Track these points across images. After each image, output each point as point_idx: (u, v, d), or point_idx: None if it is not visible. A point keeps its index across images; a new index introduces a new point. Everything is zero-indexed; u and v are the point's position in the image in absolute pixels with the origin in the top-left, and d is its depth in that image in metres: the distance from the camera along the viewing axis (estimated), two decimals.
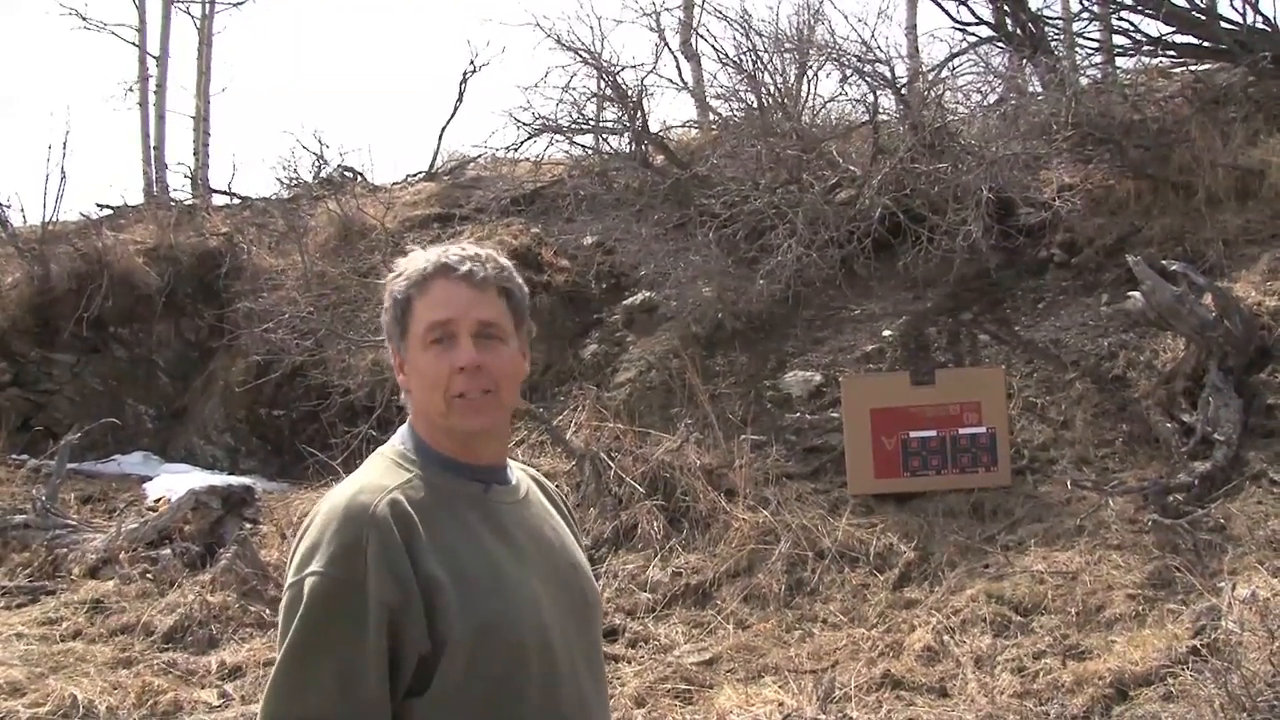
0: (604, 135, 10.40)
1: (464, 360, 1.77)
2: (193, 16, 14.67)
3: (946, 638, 5.47)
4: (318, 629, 1.66)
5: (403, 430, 1.89)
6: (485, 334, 1.79)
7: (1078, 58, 10.22)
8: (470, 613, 1.69)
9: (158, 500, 8.43)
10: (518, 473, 1.94)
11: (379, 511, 1.70)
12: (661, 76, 12.32)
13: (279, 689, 1.68)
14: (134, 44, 14.60)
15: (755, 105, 9.29)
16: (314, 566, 1.68)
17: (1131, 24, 9.70)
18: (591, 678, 1.86)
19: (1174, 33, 9.47)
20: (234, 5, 14.93)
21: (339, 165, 11.87)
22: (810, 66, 9.51)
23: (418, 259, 1.84)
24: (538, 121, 10.09)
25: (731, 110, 9.85)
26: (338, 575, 1.67)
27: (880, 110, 9.06)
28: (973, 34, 9.96)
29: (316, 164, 11.42)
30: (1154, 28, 9.46)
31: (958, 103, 9.42)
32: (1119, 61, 10.16)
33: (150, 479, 9.27)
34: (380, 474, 1.79)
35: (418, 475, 1.78)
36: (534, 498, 1.93)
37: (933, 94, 9.22)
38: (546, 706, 1.74)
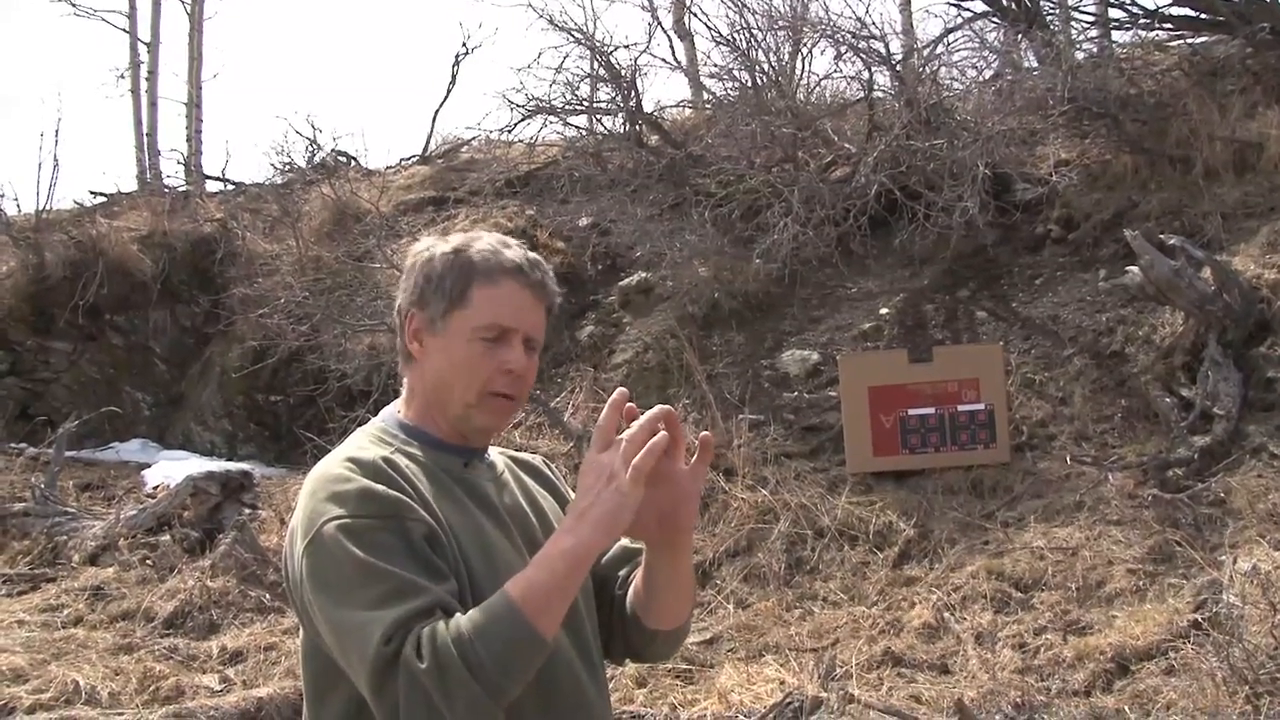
0: (598, 116, 10.36)
1: (517, 365, 1.79)
2: (183, 1, 14.62)
3: (947, 614, 5.48)
4: (364, 553, 1.59)
5: (385, 412, 1.88)
6: (529, 344, 1.83)
7: (1073, 32, 10.18)
8: (464, 576, 1.68)
9: (156, 487, 8.43)
10: (495, 454, 1.93)
11: (379, 463, 1.69)
12: (655, 56, 12.29)
13: (354, 627, 1.57)
14: (125, 30, 14.56)
15: (749, 84, 9.25)
16: (332, 513, 1.63)
17: None
18: (583, 655, 1.83)
19: (1170, 5, 9.43)
20: None
21: (332, 149, 11.85)
22: (804, 44, 9.49)
23: (486, 246, 1.82)
24: (531, 103, 10.06)
25: (726, 89, 9.81)
26: (364, 512, 1.63)
27: (875, 87, 9.04)
28: (967, 9, 9.91)
29: (310, 149, 11.40)
30: (1150, 0, 9.42)
31: (953, 79, 9.40)
32: (1115, 35, 10.12)
33: (148, 466, 9.29)
34: (363, 446, 1.78)
35: (399, 449, 1.78)
36: (509, 479, 1.91)
37: (928, 70, 9.17)
38: (542, 684, 1.70)
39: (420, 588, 1.58)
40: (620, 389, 1.76)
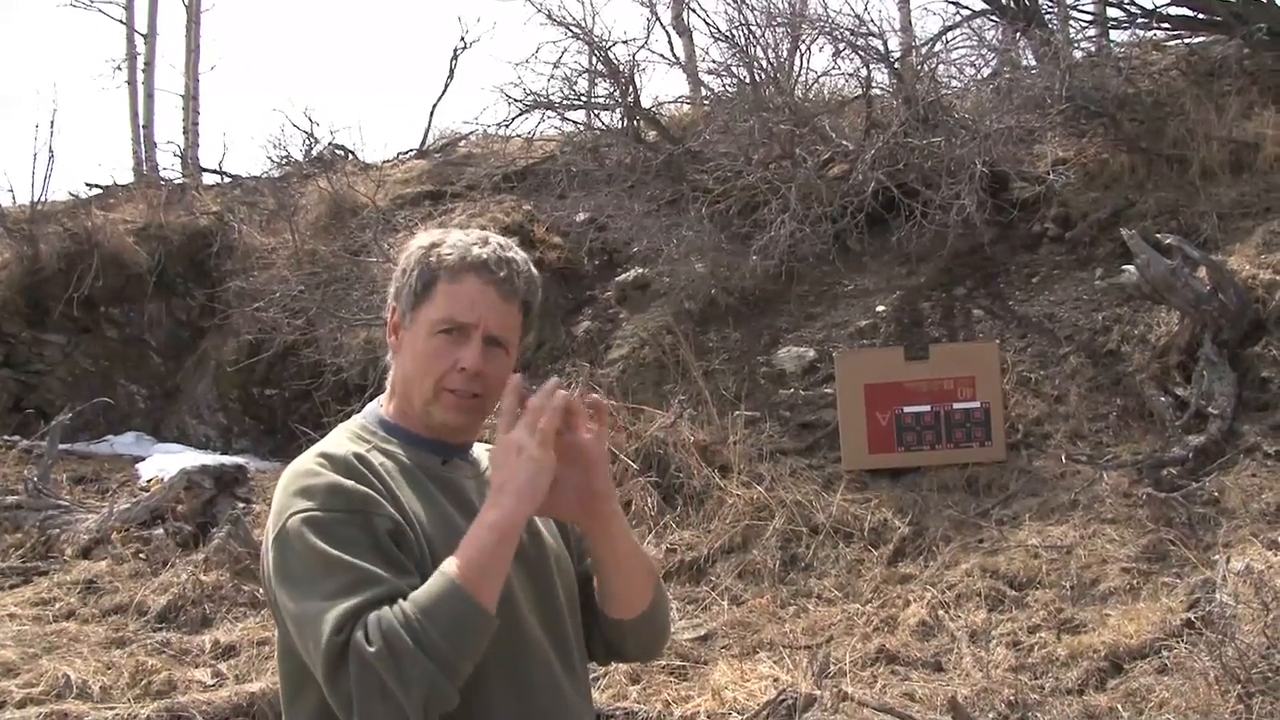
0: (596, 111, 10.35)
1: (469, 363, 1.77)
2: None
3: (941, 612, 5.48)
4: (327, 545, 1.60)
5: (368, 408, 1.90)
6: (494, 341, 1.80)
7: (1072, 31, 10.19)
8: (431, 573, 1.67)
9: (150, 480, 8.41)
10: (481, 451, 1.92)
11: (350, 458, 1.71)
12: (653, 52, 12.26)
13: (312, 618, 1.57)
14: (122, 21, 14.53)
15: (748, 80, 9.22)
16: (299, 506, 1.65)
17: None
18: (561, 654, 1.82)
19: (1169, 5, 9.44)
20: None
21: (329, 143, 11.82)
22: (803, 41, 9.46)
23: (458, 241, 1.82)
24: (529, 98, 10.03)
25: (724, 85, 9.78)
26: (331, 506, 1.64)
27: (873, 84, 9.02)
28: (966, 7, 9.91)
29: (307, 142, 11.37)
30: (1148, 0, 9.42)
31: (951, 76, 9.38)
32: (1113, 34, 10.14)
33: (143, 459, 9.27)
34: (339, 442, 1.79)
35: (377, 447, 1.78)
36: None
37: (926, 68, 9.16)
38: (514, 681, 1.71)
39: (379, 579, 1.58)
40: (516, 374, 1.79)
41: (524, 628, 1.75)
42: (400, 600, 1.57)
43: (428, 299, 1.79)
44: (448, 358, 1.77)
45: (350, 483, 1.66)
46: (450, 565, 1.59)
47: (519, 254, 1.86)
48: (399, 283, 1.84)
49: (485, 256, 1.80)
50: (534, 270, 1.88)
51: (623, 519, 1.87)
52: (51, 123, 14.85)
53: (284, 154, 11.45)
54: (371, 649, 1.51)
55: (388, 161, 12.25)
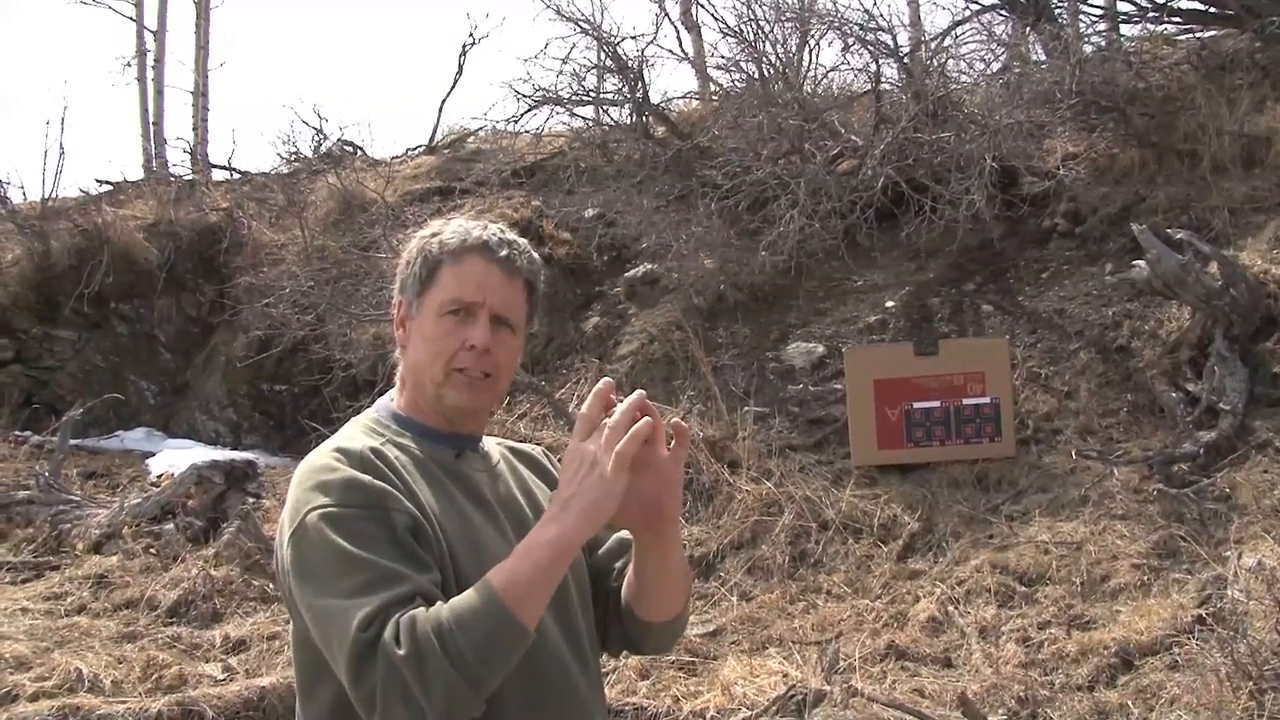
0: (604, 107, 10.35)
1: (478, 340, 1.78)
2: None
3: (951, 608, 5.47)
4: (346, 542, 1.59)
5: (380, 402, 1.90)
6: (501, 321, 1.81)
7: (1082, 25, 10.16)
8: (450, 568, 1.67)
9: (160, 475, 8.45)
10: (491, 445, 1.93)
11: (366, 453, 1.70)
12: (662, 47, 12.36)
13: (334, 614, 1.56)
14: (131, 19, 14.60)
15: (756, 75, 9.22)
16: (317, 502, 1.64)
17: None
18: (574, 648, 1.82)
19: None
20: None
21: (338, 139, 11.84)
22: (812, 36, 9.45)
23: (458, 227, 1.84)
24: (538, 93, 10.05)
25: (733, 81, 9.79)
26: (348, 502, 1.63)
27: (883, 79, 9.01)
28: (976, 2, 9.88)
29: (316, 138, 11.39)
30: None
31: (961, 71, 9.36)
32: (1123, 28, 10.11)
33: (153, 454, 9.31)
34: (353, 436, 1.79)
35: (390, 440, 1.78)
36: (504, 469, 1.91)
37: (936, 62, 9.15)
38: (529, 676, 1.70)
39: (401, 576, 1.57)
40: (606, 379, 1.75)
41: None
42: (439, 603, 1.56)
43: (433, 283, 1.81)
44: (457, 337, 1.78)
45: (367, 478, 1.66)
46: (496, 575, 1.57)
47: (522, 240, 1.88)
48: (403, 274, 1.86)
49: (487, 238, 1.82)
50: (535, 254, 1.90)
51: (679, 537, 1.85)
52: (62, 119, 14.92)
53: (293, 150, 11.51)
54: (401, 652, 1.50)
55: (397, 157, 12.26)
